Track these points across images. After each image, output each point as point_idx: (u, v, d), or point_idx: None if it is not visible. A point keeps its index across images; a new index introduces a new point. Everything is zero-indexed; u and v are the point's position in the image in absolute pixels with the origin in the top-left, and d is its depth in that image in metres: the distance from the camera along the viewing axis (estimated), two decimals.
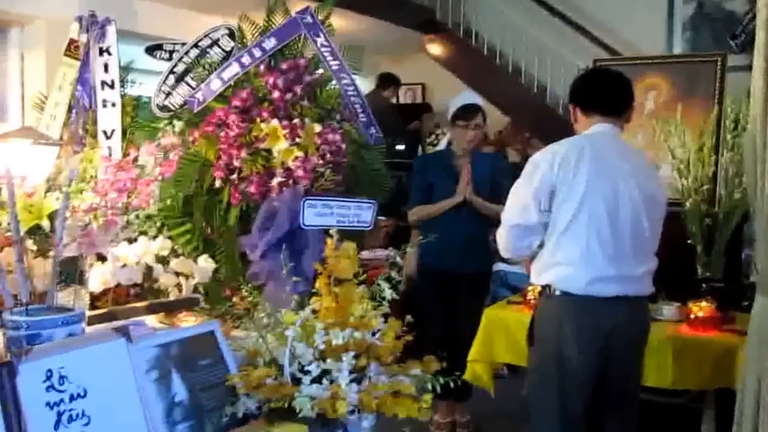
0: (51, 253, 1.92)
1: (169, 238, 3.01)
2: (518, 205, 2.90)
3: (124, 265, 2.47)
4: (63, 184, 2.32)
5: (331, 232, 2.08)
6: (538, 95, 7.80)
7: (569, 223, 2.81)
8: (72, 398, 1.56)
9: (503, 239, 2.97)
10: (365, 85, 8.11)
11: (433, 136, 8.33)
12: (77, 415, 1.56)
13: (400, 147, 8.14)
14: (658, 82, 4.75)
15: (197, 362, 1.88)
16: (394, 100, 8.60)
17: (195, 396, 1.82)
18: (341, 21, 6.39)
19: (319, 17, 3.28)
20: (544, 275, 2.91)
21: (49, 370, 1.54)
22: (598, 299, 2.79)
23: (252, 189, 3.05)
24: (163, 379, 1.78)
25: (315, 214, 2.18)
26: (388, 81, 8.17)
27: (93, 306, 2.44)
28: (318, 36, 3.25)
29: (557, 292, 2.86)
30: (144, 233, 2.76)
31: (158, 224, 3.15)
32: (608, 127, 2.97)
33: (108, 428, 1.60)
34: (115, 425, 1.62)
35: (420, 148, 8.48)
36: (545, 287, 2.93)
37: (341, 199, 2.24)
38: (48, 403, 1.53)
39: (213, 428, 1.81)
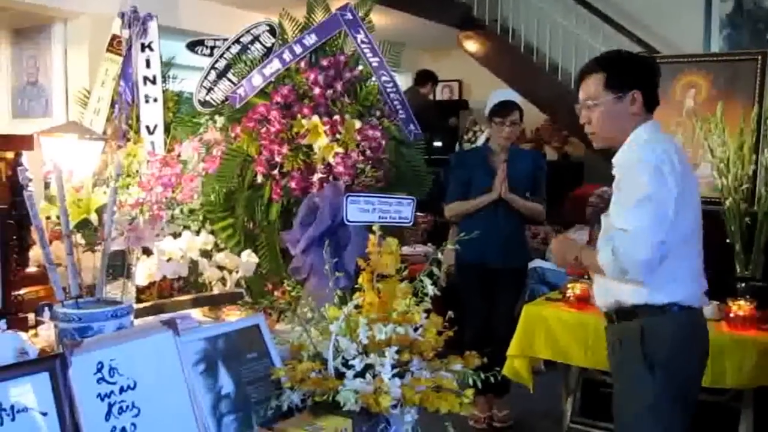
0: (99, 247, 1.95)
1: (211, 232, 3.05)
2: (662, 218, 2.41)
3: (170, 259, 2.50)
4: (110, 178, 2.36)
5: (374, 228, 2.09)
6: (576, 93, 7.71)
7: (690, 233, 2.53)
8: (122, 390, 1.59)
9: (643, 258, 2.41)
10: (403, 81, 8.12)
11: (470, 133, 8.30)
12: (127, 407, 1.59)
13: (438, 143, 8.14)
14: (697, 80, 4.69)
15: (243, 355, 1.91)
16: (431, 97, 8.59)
17: (241, 389, 1.85)
18: (379, 17, 6.38)
19: (359, 14, 3.29)
20: (665, 291, 2.51)
21: (100, 363, 1.58)
22: (703, 315, 2.65)
23: (293, 184, 3.08)
24: (210, 372, 1.81)
25: (358, 210, 2.19)
26: (425, 78, 8.16)
27: (139, 299, 2.49)
28: (358, 32, 3.25)
29: (676, 309, 2.53)
30: (187, 227, 2.79)
31: (201, 219, 3.19)
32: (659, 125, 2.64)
33: (157, 420, 1.63)
34: (164, 417, 1.64)
35: (457, 145, 8.47)
36: (665, 306, 2.53)
37: (382, 195, 2.25)
38: (99, 395, 1.56)
39: (259, 420, 1.83)
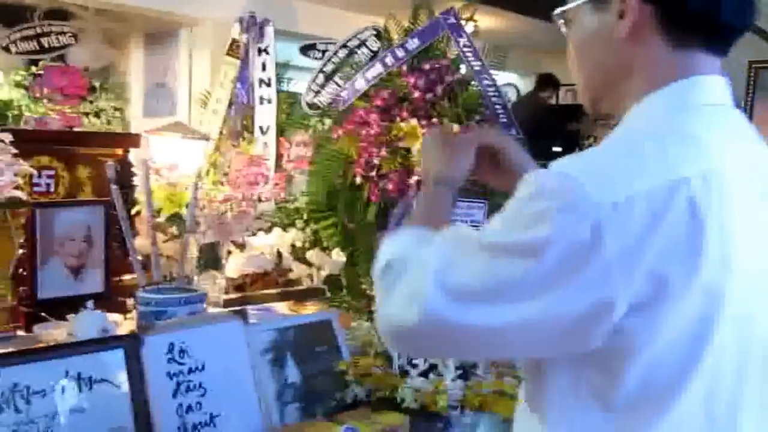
0: (179, 240, 2.09)
1: (315, 231, 3.16)
2: (538, 311, 1.00)
3: (262, 254, 2.62)
4: (202, 176, 2.51)
5: None
6: None
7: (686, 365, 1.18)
8: (190, 371, 1.71)
9: (407, 322, 1.06)
10: (525, 84, 8.06)
11: (591, 138, 8.14)
12: (194, 386, 1.71)
13: (557, 149, 8.02)
14: None
15: (313, 348, 1.99)
16: (552, 101, 8.48)
17: (308, 380, 1.93)
18: (499, 20, 6.39)
19: (463, 16, 3.32)
20: None
21: (171, 344, 1.70)
22: None
23: (390, 186, 3.14)
24: (279, 361, 1.90)
25: None
26: (546, 82, 8.06)
27: (239, 289, 2.62)
28: (461, 36, 3.28)
29: None
30: (276, 224, 2.90)
31: (304, 217, 3.31)
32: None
33: (222, 401, 1.73)
34: (229, 399, 1.75)
35: (576, 150, 8.31)
36: None
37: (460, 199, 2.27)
38: (168, 373, 1.68)
39: (322, 411, 1.91)
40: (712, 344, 0.98)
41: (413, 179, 3.11)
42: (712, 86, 1.09)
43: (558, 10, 1.24)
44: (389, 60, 3.30)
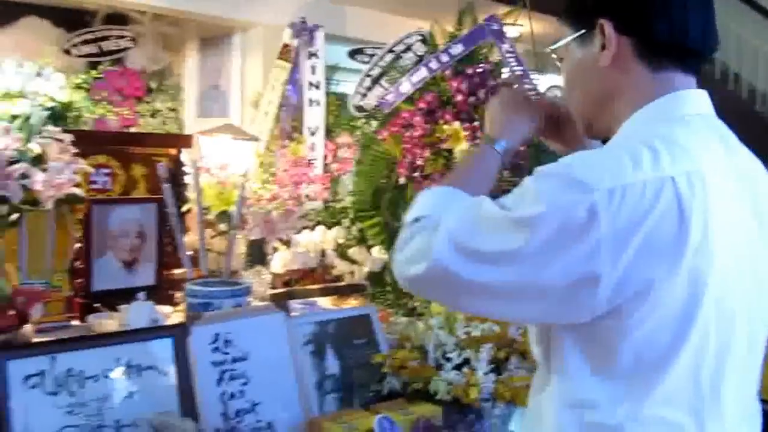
0: (239, 235, 2.18)
1: (360, 230, 3.25)
2: (526, 269, 1.18)
3: (306, 251, 2.71)
4: (249, 176, 2.61)
5: None
6: (747, 101, 7.28)
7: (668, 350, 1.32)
8: (234, 360, 1.80)
9: (412, 273, 1.25)
10: None
11: None
12: (237, 375, 1.80)
13: None
14: None
15: (351, 341, 2.07)
16: None
17: (347, 371, 2.01)
18: (544, 25, 6.40)
19: (509, 21, 3.38)
20: None
21: (217, 334, 1.79)
22: None
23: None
24: (319, 353, 1.99)
25: None
26: None
27: (287, 284, 2.72)
28: (504, 42, 3.34)
29: None
30: (319, 223, 2.99)
31: (350, 215, 3.40)
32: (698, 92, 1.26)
33: (264, 389, 1.82)
34: (271, 387, 1.84)
35: None
36: None
37: None
38: (213, 362, 1.77)
39: (360, 401, 1.99)
40: (697, 323, 1.10)
41: None
42: (691, 99, 1.23)
43: (551, 48, 1.39)
44: (434, 64, 3.37)
